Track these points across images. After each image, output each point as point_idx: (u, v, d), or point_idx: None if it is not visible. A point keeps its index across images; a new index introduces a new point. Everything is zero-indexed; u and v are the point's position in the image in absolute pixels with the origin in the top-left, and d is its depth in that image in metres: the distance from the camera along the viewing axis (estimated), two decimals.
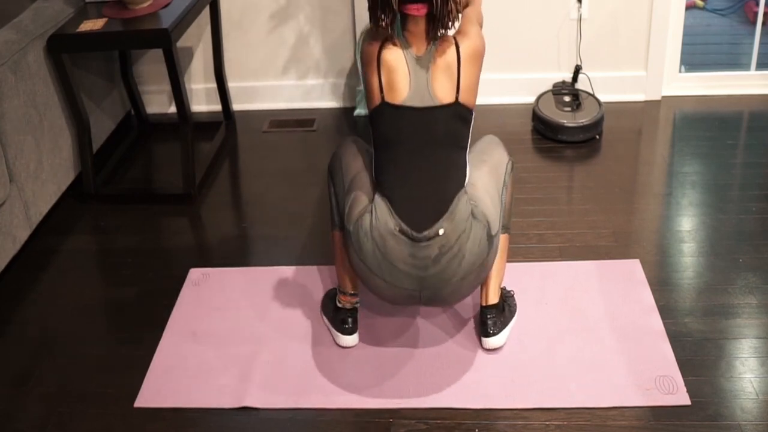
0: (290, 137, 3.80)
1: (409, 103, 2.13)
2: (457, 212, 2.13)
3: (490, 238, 2.18)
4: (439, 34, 2.13)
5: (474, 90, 2.16)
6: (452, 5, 2.08)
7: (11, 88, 2.87)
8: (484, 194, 2.24)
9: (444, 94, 2.13)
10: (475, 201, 2.19)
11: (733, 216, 3.01)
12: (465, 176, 2.20)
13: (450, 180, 2.16)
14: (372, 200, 2.20)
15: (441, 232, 2.11)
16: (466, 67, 2.13)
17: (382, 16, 2.08)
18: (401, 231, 2.11)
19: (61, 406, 2.37)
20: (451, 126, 2.15)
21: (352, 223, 2.19)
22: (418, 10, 2.08)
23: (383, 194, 2.18)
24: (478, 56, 2.16)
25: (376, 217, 2.15)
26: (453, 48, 2.12)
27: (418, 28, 2.12)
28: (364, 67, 2.18)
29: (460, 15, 2.21)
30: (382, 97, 2.15)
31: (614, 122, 3.71)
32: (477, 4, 2.32)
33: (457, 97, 2.13)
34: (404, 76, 2.12)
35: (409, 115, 2.13)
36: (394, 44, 2.13)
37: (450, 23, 2.11)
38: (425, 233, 2.10)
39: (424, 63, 2.12)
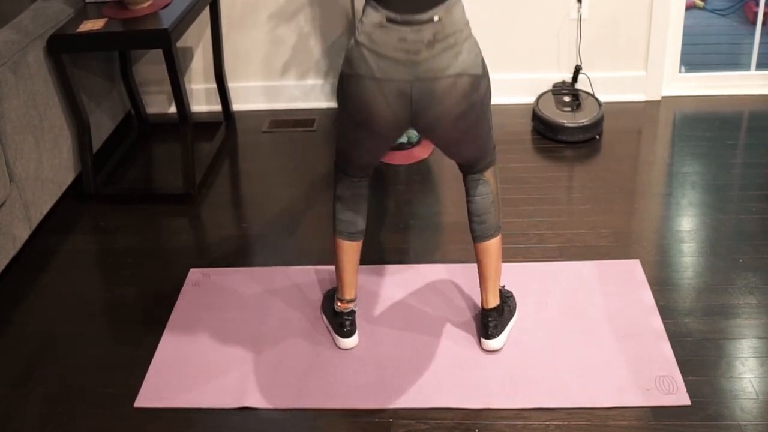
0: (290, 137, 3.80)
1: None
2: (455, 11, 2.01)
3: (485, 72, 2.07)
4: None
5: None
6: None
7: (11, 88, 2.87)
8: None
9: None
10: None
11: (733, 216, 3.01)
12: None
13: None
14: None
15: (436, 18, 1.98)
16: None
17: None
18: (389, 20, 1.99)
19: (61, 406, 2.38)
20: None
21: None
22: None
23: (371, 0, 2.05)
24: None
25: (361, 22, 2.04)
26: None
27: None
28: None
29: None
30: None
31: (614, 122, 3.71)
32: None
33: None
34: None
35: None
36: None
37: None
38: (417, 16, 1.98)
39: None
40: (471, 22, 3.75)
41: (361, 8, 3.69)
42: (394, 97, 2.02)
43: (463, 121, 2.10)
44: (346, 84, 2.09)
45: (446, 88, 2.01)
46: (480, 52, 2.10)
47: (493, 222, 2.37)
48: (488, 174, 2.35)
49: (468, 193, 2.37)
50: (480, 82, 2.08)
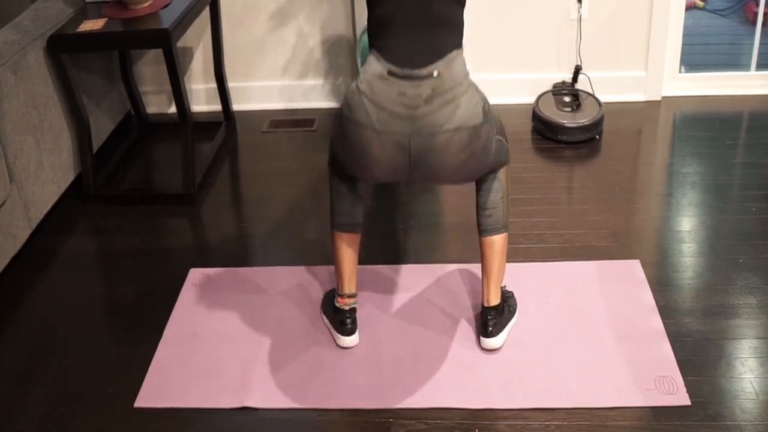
0: (290, 137, 3.80)
1: None
2: (455, 65, 2.05)
3: (486, 117, 2.10)
4: None
5: None
6: None
7: (11, 88, 2.87)
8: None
9: None
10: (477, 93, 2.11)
11: (733, 216, 3.01)
12: (462, 35, 2.11)
13: (447, 33, 2.07)
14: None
15: (435, 73, 2.03)
16: None
17: None
18: (390, 72, 2.04)
19: (61, 406, 2.37)
20: None
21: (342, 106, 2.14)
22: None
23: (374, 47, 2.09)
24: None
25: (364, 71, 2.08)
26: None
27: None
28: None
29: None
30: None
31: (614, 122, 3.71)
32: None
33: None
34: None
35: None
36: None
37: None
38: (417, 72, 2.03)
39: None
40: (471, 22, 3.75)
41: (360, 9, 3.69)
42: (392, 147, 2.07)
43: (466, 168, 2.15)
44: (345, 126, 2.14)
45: (444, 143, 2.06)
46: (481, 99, 2.12)
47: (500, 217, 2.38)
48: (501, 172, 2.37)
49: (478, 186, 2.38)
50: (481, 129, 2.11)
